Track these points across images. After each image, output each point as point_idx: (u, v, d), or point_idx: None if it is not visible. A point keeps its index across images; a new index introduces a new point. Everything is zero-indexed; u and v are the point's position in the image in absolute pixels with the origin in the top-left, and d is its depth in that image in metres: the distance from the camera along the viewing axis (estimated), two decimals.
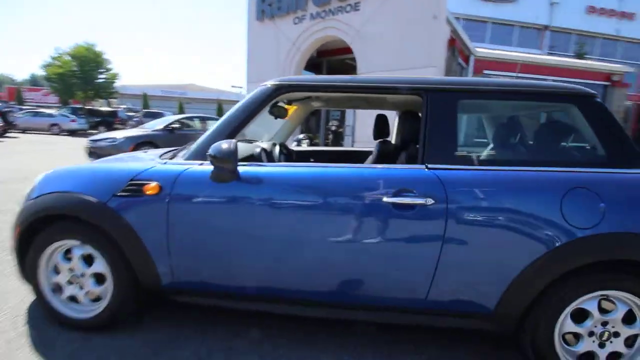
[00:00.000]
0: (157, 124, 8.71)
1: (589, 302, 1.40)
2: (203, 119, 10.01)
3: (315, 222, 1.47)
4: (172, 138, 8.28)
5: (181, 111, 24.13)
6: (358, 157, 3.04)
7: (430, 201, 1.38)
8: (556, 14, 12.78)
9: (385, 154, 2.42)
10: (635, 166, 1.41)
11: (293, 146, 3.17)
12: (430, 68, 5.70)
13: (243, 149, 2.08)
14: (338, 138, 9.19)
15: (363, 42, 6.87)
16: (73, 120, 16.96)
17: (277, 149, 2.08)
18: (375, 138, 2.53)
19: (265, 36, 8.41)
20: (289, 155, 2.81)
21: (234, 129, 1.60)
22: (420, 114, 1.72)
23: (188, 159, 1.60)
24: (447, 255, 1.39)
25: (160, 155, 1.84)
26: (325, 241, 1.46)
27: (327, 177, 1.50)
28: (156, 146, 8.02)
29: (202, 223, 1.53)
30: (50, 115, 17.26)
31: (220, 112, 24.77)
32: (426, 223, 1.40)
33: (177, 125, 8.59)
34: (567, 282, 1.36)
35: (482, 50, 9.63)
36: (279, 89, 1.64)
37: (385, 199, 1.41)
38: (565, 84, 1.56)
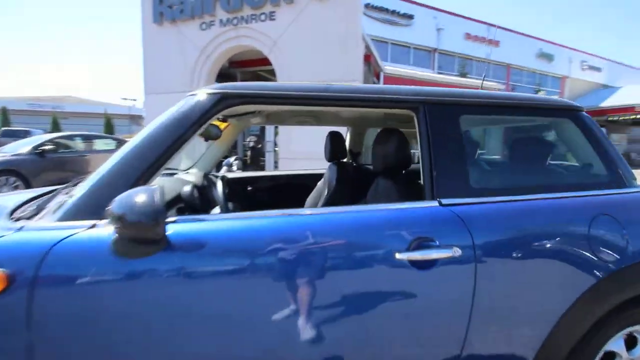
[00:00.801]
0: (22, 146, 6.79)
1: (616, 342, 1.24)
2: (88, 138, 8.23)
3: (302, 300, 0.97)
4: (44, 164, 6.51)
5: (56, 128, 20.07)
6: (305, 181, 2.59)
7: (457, 252, 1.02)
8: (442, 39, 14.68)
9: (346, 179, 2.03)
10: (631, 184, 1.32)
11: (223, 171, 2.55)
12: (356, 82, 5.64)
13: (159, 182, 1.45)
14: (258, 155, 8.57)
15: (281, 53, 6.51)
16: None
17: (220, 184, 1.48)
18: (330, 159, 2.13)
19: (166, 42, 7.36)
20: (223, 186, 2.20)
21: (153, 164, 0.99)
22: (395, 131, 1.37)
23: (66, 218, 0.93)
24: (479, 309, 1.07)
25: (11, 212, 1.09)
26: (322, 324, 0.98)
27: (312, 229, 1.01)
28: (20, 175, 6.19)
29: (101, 332, 0.88)
30: None
31: (109, 129, 21.38)
32: (453, 277, 1.05)
33: (49, 147, 6.79)
34: (607, 320, 1.18)
35: (389, 67, 10.30)
36: (224, 100, 1.10)
37: (398, 256, 1.00)
38: (555, 97, 1.40)
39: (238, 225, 1.02)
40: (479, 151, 1.30)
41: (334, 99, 1.19)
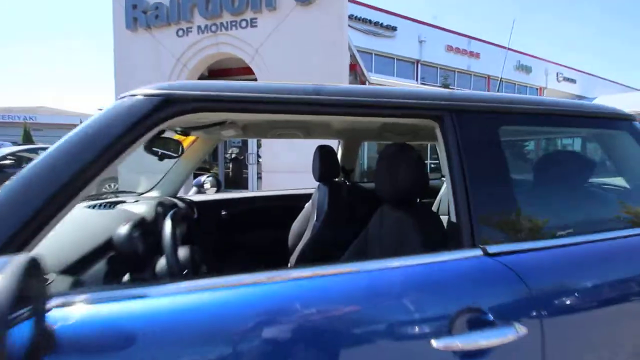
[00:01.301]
0: None
1: None
2: None
3: None
4: (2, 180, 5.91)
5: (28, 140, 18.95)
6: (289, 202, 2.23)
7: (522, 330, 0.68)
8: (424, 50, 14.77)
9: (340, 203, 1.69)
10: None
11: (192, 193, 2.16)
12: None
13: (83, 221, 1.06)
14: (240, 167, 8.14)
15: (264, 62, 6.18)
16: None
17: (168, 224, 1.09)
18: (320, 178, 1.78)
19: (141, 49, 6.92)
20: (186, 215, 1.81)
21: (61, 191, 0.64)
22: (408, 148, 1.05)
23: None
24: None
25: None
26: None
27: (303, 303, 0.65)
28: None
29: None
30: None
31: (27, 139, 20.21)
32: None
33: (9, 161, 6.21)
34: None
35: (375, 78, 10.14)
36: (168, 106, 0.74)
37: (437, 344, 0.65)
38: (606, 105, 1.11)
39: (186, 304, 0.64)
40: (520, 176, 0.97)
41: (327, 105, 0.85)
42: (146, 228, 1.01)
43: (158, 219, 1.20)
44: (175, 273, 0.84)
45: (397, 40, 14.26)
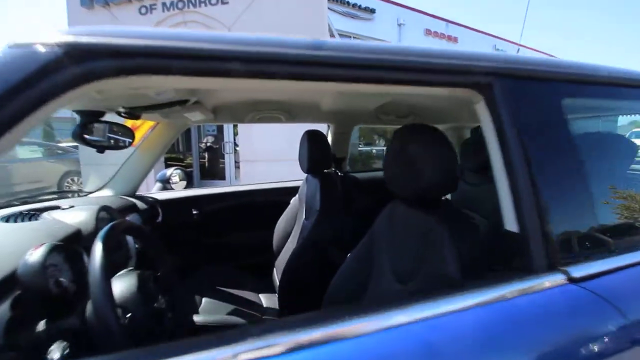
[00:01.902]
0: None
1: None
2: None
3: None
4: None
5: None
6: (271, 196, 1.94)
7: None
8: (403, 34, 14.51)
9: (334, 199, 1.43)
10: None
11: (156, 189, 1.83)
12: None
13: None
14: (216, 156, 7.69)
15: None
16: None
17: (98, 248, 0.77)
18: (310, 169, 1.50)
19: None
20: (150, 217, 1.49)
21: None
22: (433, 131, 0.80)
23: None
24: None
25: None
26: None
27: None
28: None
29: None
30: None
31: (46, 134, 18.84)
32: None
33: None
34: None
35: None
36: (75, 64, 0.44)
37: None
38: None
39: None
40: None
41: (333, 65, 0.57)
42: (73, 251, 0.71)
43: (99, 232, 0.89)
44: (110, 323, 0.56)
45: (375, 22, 13.92)
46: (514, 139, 0.59)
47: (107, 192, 1.56)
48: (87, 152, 5.88)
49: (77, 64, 0.45)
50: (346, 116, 1.72)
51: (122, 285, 0.67)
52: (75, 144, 6.13)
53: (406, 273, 0.84)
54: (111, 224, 0.72)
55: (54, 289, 0.64)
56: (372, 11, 13.83)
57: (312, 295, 1.41)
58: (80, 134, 0.84)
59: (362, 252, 1.01)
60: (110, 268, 0.84)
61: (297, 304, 1.38)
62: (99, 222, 0.95)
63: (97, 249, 0.62)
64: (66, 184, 6.70)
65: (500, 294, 0.51)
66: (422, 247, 0.78)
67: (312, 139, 1.43)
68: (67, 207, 1.01)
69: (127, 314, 0.63)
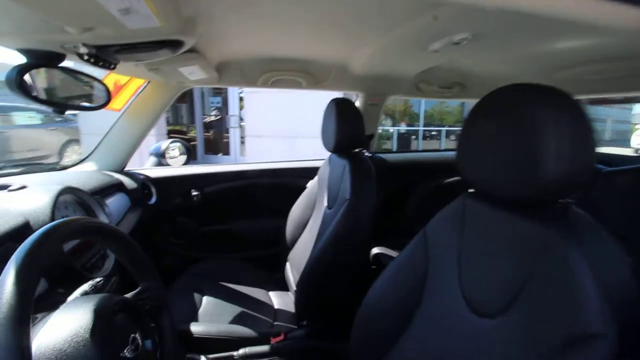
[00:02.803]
0: None
1: None
2: (4, 110, 6.61)
3: None
4: None
5: None
6: (284, 177, 1.67)
7: None
8: None
9: (369, 184, 1.14)
10: None
11: (149, 165, 1.56)
12: None
13: None
14: (221, 131, 7.38)
15: None
16: None
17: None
18: (336, 148, 1.21)
19: None
20: (141, 197, 1.24)
21: None
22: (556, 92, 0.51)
23: None
24: None
25: None
26: None
27: None
28: None
29: None
30: None
31: None
32: None
33: None
34: None
35: None
36: None
37: None
38: None
39: None
40: None
41: None
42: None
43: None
44: None
45: None
46: None
47: (90, 167, 1.30)
48: (87, 120, 5.58)
49: None
50: (380, 84, 1.41)
51: (62, 330, 0.41)
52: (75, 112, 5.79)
53: (488, 303, 0.57)
54: (55, 222, 0.45)
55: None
56: None
57: (339, 302, 1.17)
58: (20, 81, 0.55)
59: (413, 260, 0.74)
60: (55, 295, 0.57)
61: (320, 312, 1.14)
62: (57, 211, 0.69)
63: (9, 275, 0.35)
64: (65, 154, 6.45)
65: None
66: (527, 269, 0.51)
67: (342, 110, 1.12)
68: (18, 186, 0.74)
69: None
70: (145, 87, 1.24)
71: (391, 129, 7.61)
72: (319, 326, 1.08)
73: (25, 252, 0.37)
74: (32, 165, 1.20)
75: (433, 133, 7.66)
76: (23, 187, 0.74)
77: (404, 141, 7.50)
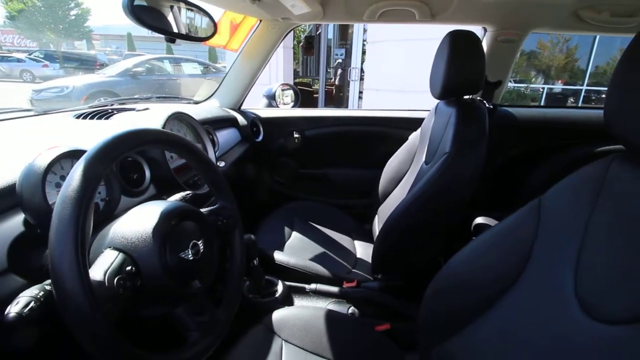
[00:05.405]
0: (116, 68, 6.97)
1: None
2: (176, 61, 8.20)
3: None
4: (136, 85, 6.64)
5: (170, 54, 21.55)
6: (388, 126, 1.56)
7: None
8: None
9: (476, 137, 0.95)
10: None
11: (261, 106, 1.67)
12: None
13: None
14: (342, 84, 7.41)
15: None
16: (45, 65, 14.82)
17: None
18: (445, 92, 1.02)
19: None
20: (250, 134, 1.35)
21: None
22: None
23: None
24: None
25: None
26: None
27: None
28: (115, 95, 6.43)
29: None
30: (18, 60, 15.09)
31: (211, 57, 21.95)
32: None
33: (140, 69, 6.85)
34: None
35: None
36: None
37: None
38: None
39: None
40: None
41: None
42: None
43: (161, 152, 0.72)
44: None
45: None
46: None
47: (214, 103, 1.47)
48: None
49: None
50: (519, 11, 1.09)
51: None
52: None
53: (611, 305, 0.40)
54: (130, 129, 0.49)
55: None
56: None
57: (420, 265, 1.08)
58: (132, 7, 0.63)
59: (515, 235, 0.58)
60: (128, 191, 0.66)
61: (397, 270, 1.07)
62: (167, 128, 0.80)
63: (80, 165, 0.40)
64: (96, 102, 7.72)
65: None
66: None
67: (457, 43, 0.92)
68: (142, 108, 0.89)
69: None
70: (257, 27, 1.29)
71: (541, 88, 6.18)
72: (395, 284, 1.03)
73: (97, 148, 0.43)
74: (174, 98, 1.45)
75: (599, 96, 5.82)
76: (146, 109, 0.89)
77: (555, 103, 6.02)
